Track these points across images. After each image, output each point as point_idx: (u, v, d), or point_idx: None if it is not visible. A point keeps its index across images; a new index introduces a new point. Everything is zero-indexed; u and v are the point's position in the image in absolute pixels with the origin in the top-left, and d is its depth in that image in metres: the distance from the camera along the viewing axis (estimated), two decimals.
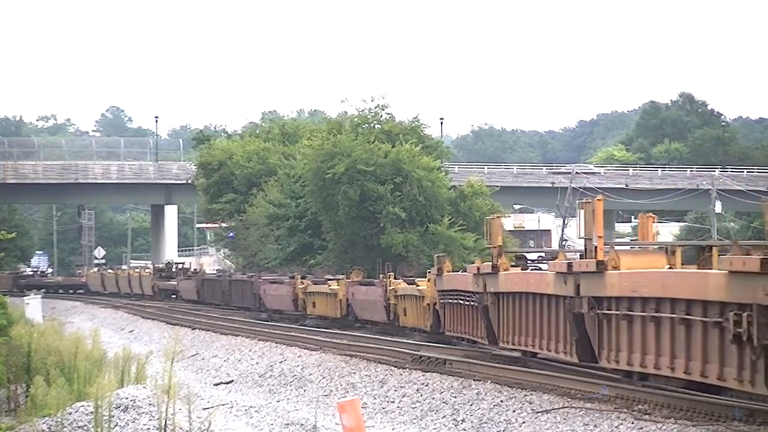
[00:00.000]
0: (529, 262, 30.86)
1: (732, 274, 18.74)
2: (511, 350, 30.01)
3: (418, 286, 39.67)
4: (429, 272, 38.02)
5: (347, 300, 47.09)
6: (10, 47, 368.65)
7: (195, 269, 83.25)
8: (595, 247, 23.65)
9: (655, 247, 25.59)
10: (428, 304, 37.56)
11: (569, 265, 24.66)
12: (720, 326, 19.35)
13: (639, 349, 22.22)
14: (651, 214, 27.15)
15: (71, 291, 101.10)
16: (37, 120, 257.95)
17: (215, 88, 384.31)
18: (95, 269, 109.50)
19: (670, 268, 23.20)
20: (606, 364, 23.76)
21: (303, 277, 53.29)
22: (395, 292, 41.80)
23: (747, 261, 18.27)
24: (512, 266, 30.01)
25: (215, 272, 78.89)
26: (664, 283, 21.28)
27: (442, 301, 35.67)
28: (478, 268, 30.95)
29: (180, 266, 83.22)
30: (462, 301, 33.30)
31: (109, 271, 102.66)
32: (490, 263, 30.23)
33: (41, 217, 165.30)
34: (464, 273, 33.38)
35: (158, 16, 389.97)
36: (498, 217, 31.79)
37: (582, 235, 24.46)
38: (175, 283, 78.25)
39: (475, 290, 31.32)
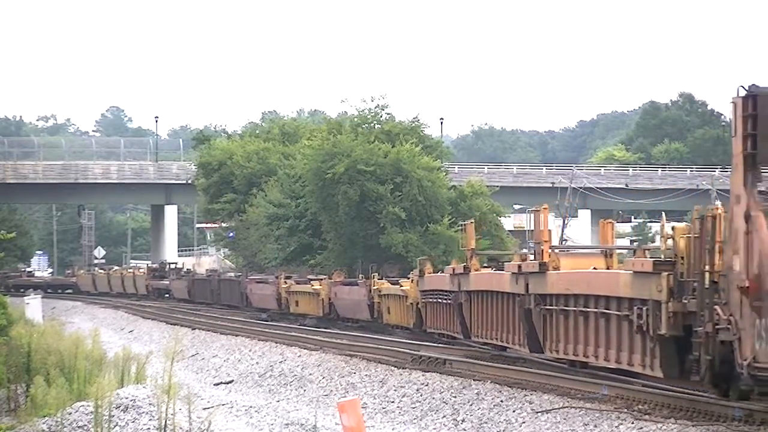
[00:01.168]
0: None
1: (635, 274, 22.31)
2: (482, 344, 32.73)
3: (401, 286, 41.83)
4: (411, 273, 40.64)
5: (329, 299, 49.33)
6: (10, 47, 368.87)
7: (187, 269, 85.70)
8: (541, 250, 27.12)
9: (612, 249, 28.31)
10: (411, 304, 39.99)
11: (519, 266, 27.91)
12: (628, 319, 22.80)
13: (573, 340, 25.66)
14: (610, 219, 29.95)
15: (60, 291, 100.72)
16: (37, 120, 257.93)
17: (215, 88, 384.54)
18: (84, 269, 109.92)
19: (594, 269, 26.45)
20: (550, 354, 27.09)
21: (288, 277, 55.64)
22: (379, 291, 43.98)
23: (644, 263, 22.05)
24: (484, 267, 33.07)
25: (205, 272, 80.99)
26: (589, 281, 24.95)
27: (424, 300, 38.26)
28: (454, 269, 33.91)
29: (173, 266, 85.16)
30: (441, 300, 35.99)
31: (100, 271, 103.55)
32: (463, 264, 33.27)
33: (41, 217, 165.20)
34: (442, 274, 36.06)
35: (158, 16, 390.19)
36: (471, 222, 35.44)
37: (532, 239, 27.72)
38: (168, 282, 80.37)
39: (451, 289, 34.20)
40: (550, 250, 27.31)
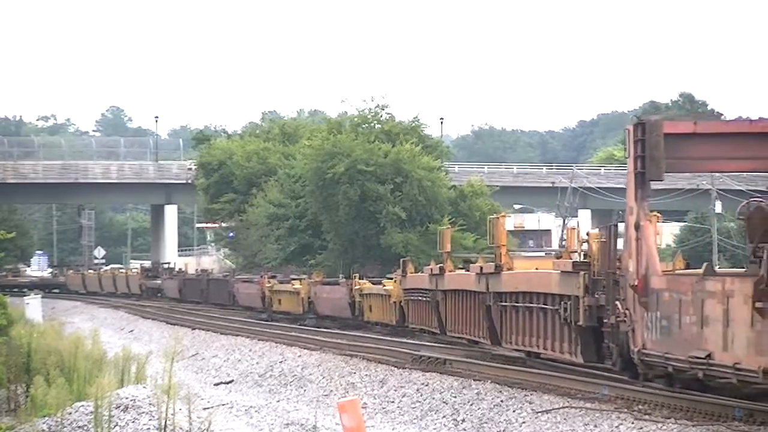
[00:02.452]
0: None
1: (562, 274, 26.08)
2: (457, 339, 35.36)
3: (384, 286, 43.82)
4: (395, 273, 42.83)
5: (309, 298, 51.65)
6: (10, 47, 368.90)
7: (179, 269, 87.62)
8: (499, 253, 30.56)
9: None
10: (395, 302, 42.07)
11: (481, 268, 31.35)
12: (557, 312, 26.41)
13: (523, 333, 29.02)
14: (573, 227, 33.36)
15: (47, 291, 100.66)
16: (37, 120, 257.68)
17: (215, 88, 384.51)
18: (73, 269, 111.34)
19: (536, 269, 29.49)
20: (506, 345, 30.45)
21: (272, 277, 58.05)
22: (360, 291, 46.07)
23: (566, 264, 25.83)
24: (459, 268, 35.80)
25: (194, 272, 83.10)
26: (530, 280, 28.62)
27: (406, 298, 40.80)
28: (431, 270, 36.80)
29: (165, 267, 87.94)
30: (421, 298, 38.71)
31: (90, 271, 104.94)
32: (439, 266, 36.43)
33: (41, 217, 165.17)
34: (422, 274, 38.65)
35: (158, 16, 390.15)
36: (448, 228, 39.34)
37: (491, 243, 31.59)
38: (160, 282, 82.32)
39: (429, 288, 36.99)
40: (505, 253, 30.82)
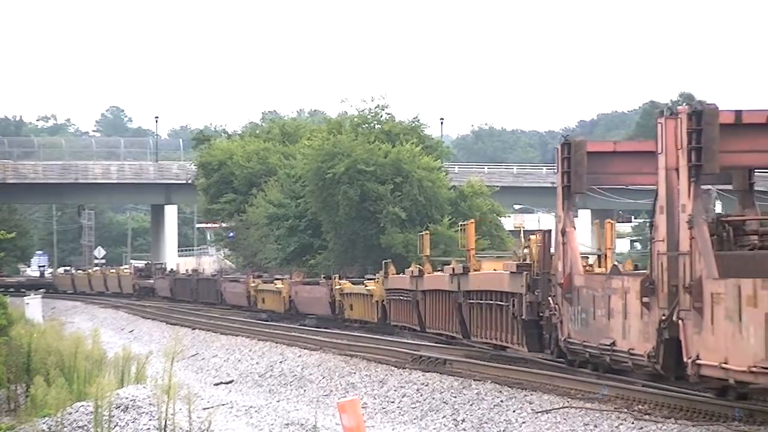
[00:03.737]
0: None
1: (510, 274, 29.95)
2: (435, 335, 38.35)
3: (366, 286, 46.65)
4: (377, 275, 46.18)
5: (290, 297, 54.85)
6: (10, 47, 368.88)
7: (171, 269, 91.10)
8: (468, 256, 35.21)
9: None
10: (377, 301, 45.08)
11: (453, 269, 35.06)
12: (508, 308, 30.26)
13: (486, 327, 32.63)
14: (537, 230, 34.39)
15: (34, 291, 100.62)
16: (37, 120, 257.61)
17: (215, 88, 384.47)
18: (61, 270, 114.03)
19: (494, 270, 33.31)
20: (474, 339, 33.91)
21: (258, 276, 61.84)
22: (341, 290, 48.98)
23: (513, 265, 30.02)
24: (436, 271, 39.24)
25: (185, 273, 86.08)
26: (489, 280, 32.54)
27: (388, 297, 43.91)
28: (412, 272, 40.35)
29: (158, 267, 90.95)
30: (403, 298, 41.99)
31: (79, 271, 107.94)
32: (419, 268, 40.23)
33: (41, 217, 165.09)
34: (403, 275, 42.14)
35: (158, 16, 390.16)
36: (427, 233, 43.16)
37: (461, 247, 36.26)
38: (153, 281, 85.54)
39: (410, 288, 40.48)
40: (474, 256, 35.36)
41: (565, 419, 22.27)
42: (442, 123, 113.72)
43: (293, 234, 67.27)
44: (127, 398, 22.43)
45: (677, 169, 21.09)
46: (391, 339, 40.02)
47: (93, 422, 20.75)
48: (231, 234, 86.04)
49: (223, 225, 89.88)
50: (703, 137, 20.46)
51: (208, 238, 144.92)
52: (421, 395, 27.79)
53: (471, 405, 25.53)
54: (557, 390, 25.05)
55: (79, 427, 21.39)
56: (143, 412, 22.02)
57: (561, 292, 26.36)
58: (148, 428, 21.54)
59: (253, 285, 60.38)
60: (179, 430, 21.02)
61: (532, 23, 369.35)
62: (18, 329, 30.83)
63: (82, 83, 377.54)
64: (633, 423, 20.76)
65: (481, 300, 32.93)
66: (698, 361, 19.77)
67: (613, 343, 23.38)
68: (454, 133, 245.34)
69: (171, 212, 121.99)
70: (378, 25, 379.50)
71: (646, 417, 21.14)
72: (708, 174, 20.71)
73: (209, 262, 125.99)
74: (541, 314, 28.13)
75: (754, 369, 17.98)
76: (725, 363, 18.82)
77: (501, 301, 31.06)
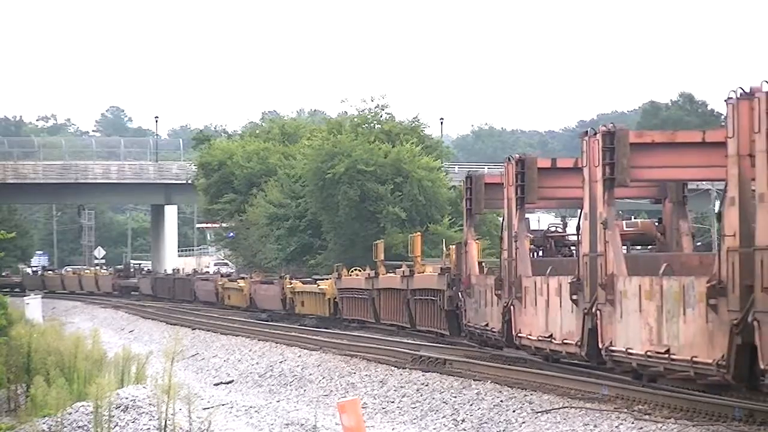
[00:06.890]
0: None
1: (438, 275, 38.13)
2: (389, 326, 44.83)
3: (319, 285, 52.55)
4: (331, 275, 51.59)
5: (250, 294, 61.96)
6: (10, 47, 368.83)
7: (148, 270, 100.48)
8: (416, 261, 42.78)
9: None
10: (329, 299, 51.13)
11: (403, 271, 42.50)
12: (438, 303, 38.21)
13: (426, 317, 40.16)
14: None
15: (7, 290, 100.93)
16: (37, 120, 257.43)
17: (215, 88, 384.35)
18: (29, 271, 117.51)
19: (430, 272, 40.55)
20: (420, 327, 40.90)
21: (225, 276, 71.83)
22: (293, 289, 55.23)
23: (438, 268, 38.48)
24: (388, 272, 45.75)
25: (164, 272, 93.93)
26: (425, 280, 40.06)
27: (341, 296, 50.26)
28: (368, 274, 46.98)
29: (138, 267, 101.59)
30: (357, 295, 48.35)
31: (48, 272, 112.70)
32: (374, 270, 46.76)
33: (41, 217, 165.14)
34: (358, 276, 48.61)
35: (158, 16, 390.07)
36: (380, 242, 48.98)
37: (409, 253, 44.33)
38: (136, 280, 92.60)
39: (366, 287, 46.93)
40: (420, 261, 42.84)
41: (565, 419, 22.26)
42: (442, 123, 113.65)
43: (293, 234, 67.30)
44: (127, 398, 22.43)
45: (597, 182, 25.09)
46: (390, 339, 40.08)
47: (93, 422, 20.75)
48: (231, 234, 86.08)
49: (223, 225, 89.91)
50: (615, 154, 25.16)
51: (208, 238, 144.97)
52: (421, 395, 27.79)
53: (471, 405, 25.53)
54: (557, 390, 25.05)
55: (79, 427, 21.39)
56: (143, 412, 22.02)
57: (464, 289, 34.15)
58: (148, 428, 21.54)
59: (220, 283, 68.50)
60: (179, 430, 21.02)
61: (532, 23, 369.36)
62: (18, 329, 30.82)
63: (82, 83, 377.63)
64: (633, 423, 20.75)
65: (423, 296, 40.22)
66: (520, 334, 28.63)
67: (486, 324, 31.72)
68: (454, 133, 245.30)
69: (171, 212, 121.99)
70: (378, 25, 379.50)
71: (646, 417, 21.13)
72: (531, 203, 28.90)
73: (209, 262, 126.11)
74: (458, 305, 35.49)
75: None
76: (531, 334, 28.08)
77: (433, 297, 38.76)
